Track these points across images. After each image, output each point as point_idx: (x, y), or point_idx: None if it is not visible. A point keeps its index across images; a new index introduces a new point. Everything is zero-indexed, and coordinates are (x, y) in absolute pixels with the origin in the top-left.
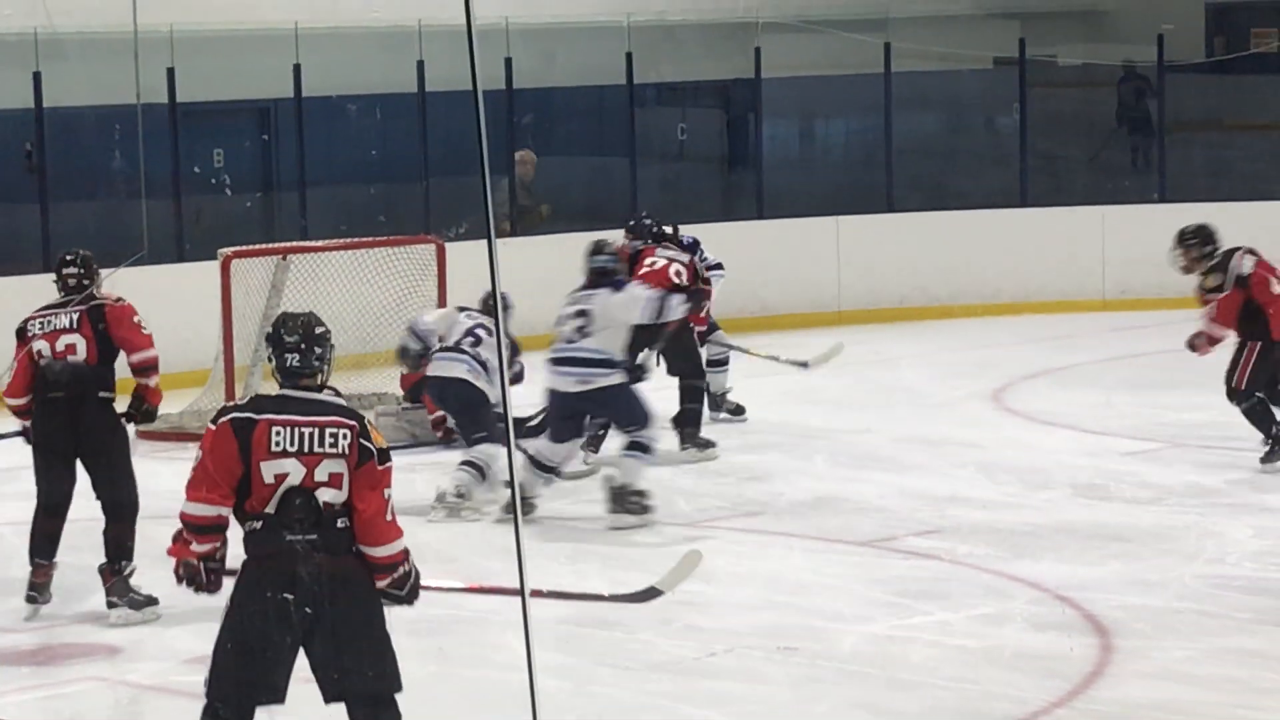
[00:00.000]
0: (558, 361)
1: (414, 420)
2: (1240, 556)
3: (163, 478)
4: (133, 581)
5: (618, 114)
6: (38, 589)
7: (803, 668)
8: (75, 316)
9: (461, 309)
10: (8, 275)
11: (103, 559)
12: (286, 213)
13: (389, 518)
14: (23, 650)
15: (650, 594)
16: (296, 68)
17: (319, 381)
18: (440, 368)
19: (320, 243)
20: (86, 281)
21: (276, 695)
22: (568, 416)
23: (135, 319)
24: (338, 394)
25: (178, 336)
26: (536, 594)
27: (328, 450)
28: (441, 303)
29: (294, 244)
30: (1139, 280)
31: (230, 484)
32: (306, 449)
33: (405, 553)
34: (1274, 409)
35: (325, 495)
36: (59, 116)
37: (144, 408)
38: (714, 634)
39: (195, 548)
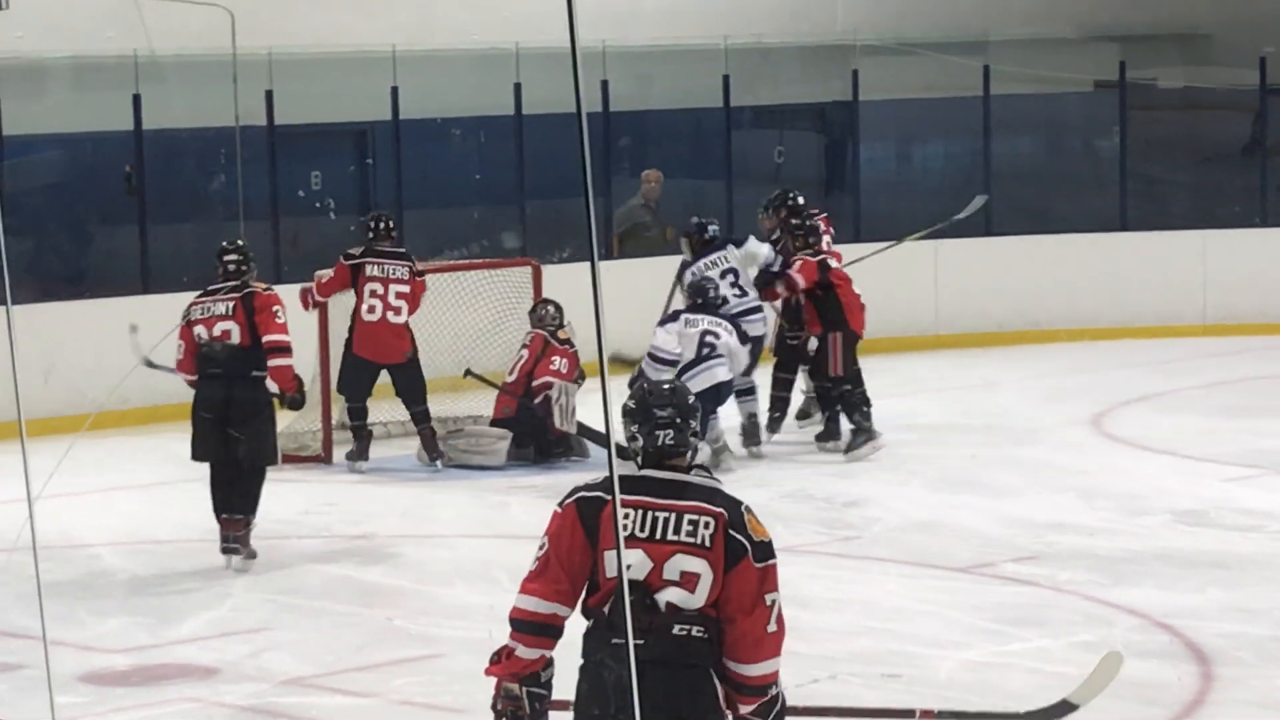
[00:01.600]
0: None
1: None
2: None
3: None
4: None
5: (714, 137)
6: (238, 540)
7: (901, 694)
8: (231, 304)
9: (671, 320)
10: (108, 296)
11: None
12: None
13: (771, 628)
14: (119, 671)
15: (1061, 709)
16: (394, 90)
17: (688, 460)
18: (707, 378)
19: (419, 265)
20: (245, 268)
21: None
22: None
23: (274, 308)
24: (709, 474)
25: None
26: (927, 715)
27: (683, 540)
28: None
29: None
30: (1240, 304)
31: (571, 577)
32: (659, 536)
33: (777, 678)
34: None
35: (671, 596)
36: (158, 139)
37: (282, 394)
38: (813, 660)
39: (520, 652)
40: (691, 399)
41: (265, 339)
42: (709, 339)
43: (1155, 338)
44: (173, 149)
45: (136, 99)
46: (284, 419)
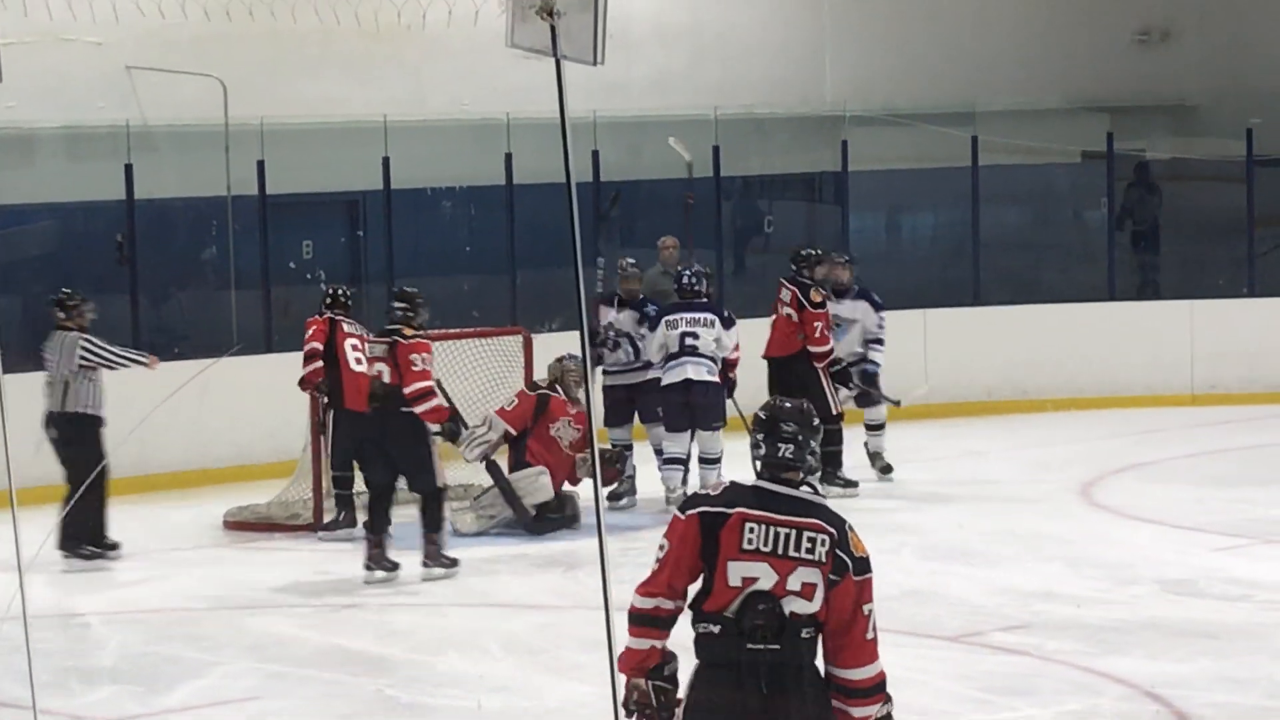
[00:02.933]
0: None
1: (488, 504)
2: None
3: (251, 568)
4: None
5: (704, 206)
6: (375, 560)
7: None
8: (387, 347)
9: (657, 324)
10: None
11: None
12: (375, 305)
13: (869, 636)
14: None
15: None
16: (385, 160)
17: (801, 476)
18: (676, 374)
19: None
20: (411, 314)
21: None
22: None
23: (412, 356)
24: (817, 491)
25: (265, 427)
26: None
27: (803, 556)
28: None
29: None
30: (1228, 375)
31: (686, 580)
32: (781, 552)
33: (883, 681)
34: None
35: (794, 605)
36: (150, 208)
37: (441, 428)
38: None
39: (631, 644)
40: (815, 420)
41: (405, 390)
42: (689, 340)
43: (1143, 407)
44: (164, 219)
45: (128, 169)
46: (274, 488)
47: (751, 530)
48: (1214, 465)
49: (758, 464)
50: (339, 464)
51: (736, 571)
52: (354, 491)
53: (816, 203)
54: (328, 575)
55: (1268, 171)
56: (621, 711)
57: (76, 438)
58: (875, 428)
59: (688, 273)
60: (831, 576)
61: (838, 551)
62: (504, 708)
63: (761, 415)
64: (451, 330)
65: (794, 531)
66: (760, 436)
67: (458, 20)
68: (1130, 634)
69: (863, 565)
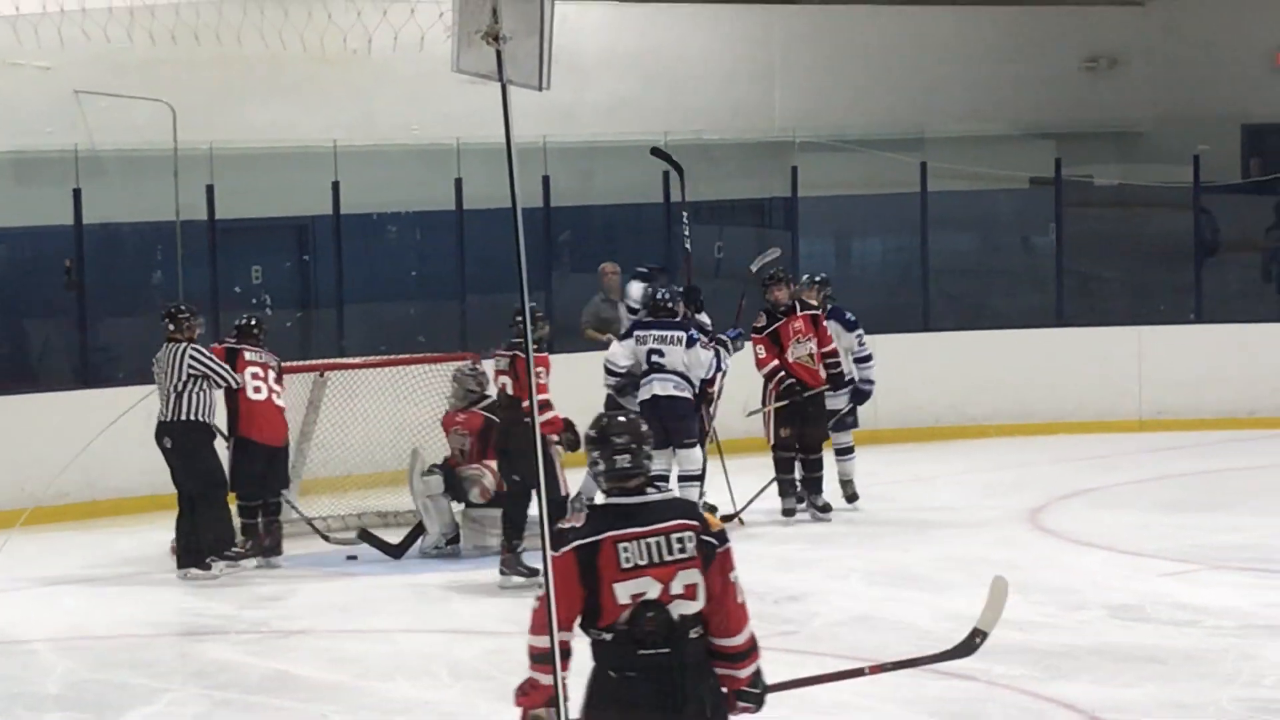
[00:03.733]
0: None
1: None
2: (1277, 679)
3: (199, 594)
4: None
5: (655, 232)
6: (508, 564)
7: None
8: (509, 360)
9: (627, 336)
10: (48, 391)
11: None
12: (324, 330)
13: (739, 599)
14: None
15: (974, 640)
16: (335, 185)
17: (645, 478)
18: (645, 391)
19: (358, 359)
20: (533, 328)
21: None
22: None
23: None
24: (657, 488)
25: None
26: (874, 670)
27: (678, 558)
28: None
29: (331, 361)
30: (1176, 400)
31: (575, 611)
32: (658, 560)
33: (755, 641)
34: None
35: (681, 608)
36: (99, 233)
37: (559, 438)
38: None
39: (542, 682)
40: (644, 427)
41: (523, 403)
42: (655, 357)
43: (1091, 433)
44: (113, 243)
45: (77, 193)
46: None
47: (626, 549)
48: (1161, 491)
49: (601, 480)
50: (244, 494)
51: (624, 591)
52: (258, 520)
53: (766, 228)
54: (277, 601)
55: (1214, 198)
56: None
57: (191, 447)
58: (844, 452)
59: (664, 291)
60: (704, 564)
61: (702, 539)
62: None
63: (592, 433)
64: (400, 356)
65: (663, 538)
66: (595, 454)
67: (404, 45)
68: (1078, 659)
69: (723, 536)
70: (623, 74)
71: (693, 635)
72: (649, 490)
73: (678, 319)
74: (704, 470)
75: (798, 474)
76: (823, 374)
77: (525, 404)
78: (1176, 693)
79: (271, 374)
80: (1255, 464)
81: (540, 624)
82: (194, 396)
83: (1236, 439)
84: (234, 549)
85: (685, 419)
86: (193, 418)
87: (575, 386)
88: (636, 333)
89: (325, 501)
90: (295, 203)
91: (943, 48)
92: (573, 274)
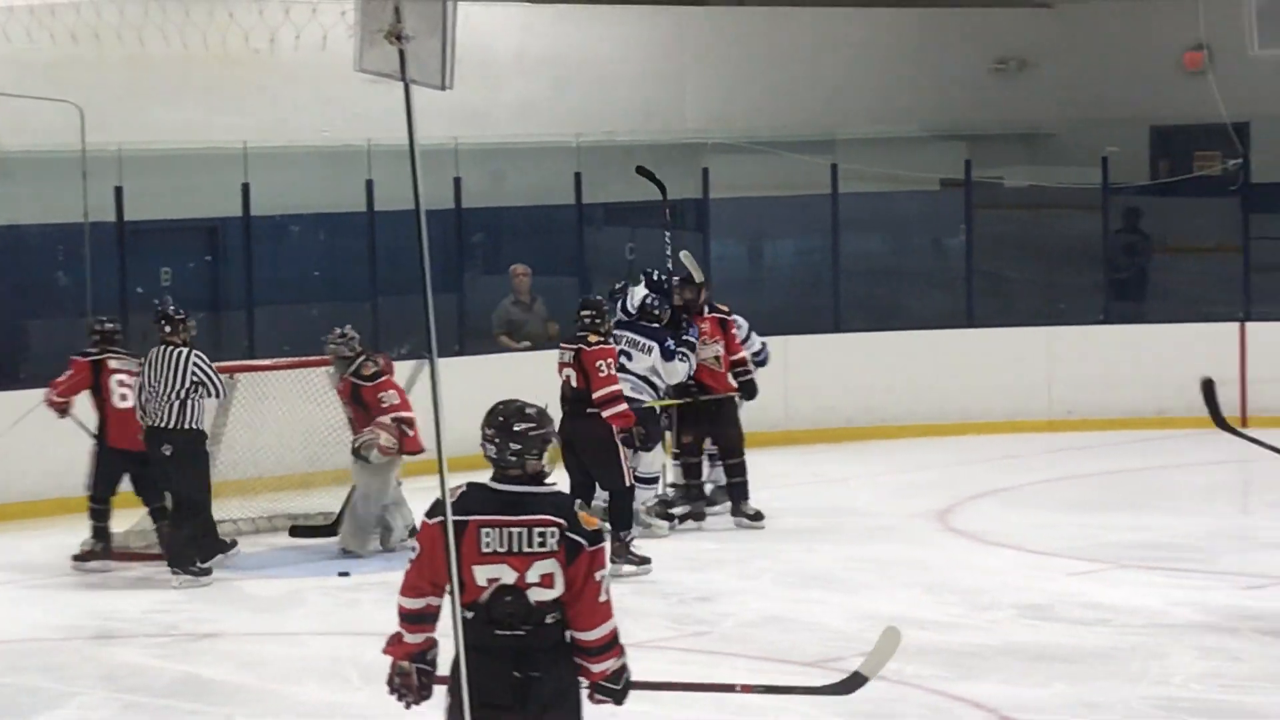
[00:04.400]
0: None
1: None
2: (1186, 678)
3: (107, 597)
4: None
5: (566, 233)
6: (617, 553)
7: None
8: (574, 353)
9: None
10: None
11: None
12: (234, 332)
13: (601, 599)
14: None
15: (855, 682)
16: (245, 187)
17: (525, 473)
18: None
19: (268, 361)
20: (597, 321)
21: None
22: None
23: (597, 362)
24: (543, 481)
25: None
26: (746, 689)
27: (537, 550)
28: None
29: (241, 363)
30: (1085, 400)
31: (439, 580)
32: (517, 550)
33: (616, 637)
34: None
35: (537, 595)
36: (6, 235)
37: (633, 431)
38: None
39: (407, 638)
40: (519, 426)
41: (593, 394)
42: (621, 359)
43: (1001, 433)
44: (21, 245)
45: None
46: (132, 517)
47: (487, 535)
48: (1070, 490)
49: (491, 462)
50: (99, 495)
51: (481, 573)
52: (109, 524)
53: (678, 230)
54: (185, 605)
55: (1122, 200)
56: (384, 689)
57: (192, 454)
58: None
59: (650, 296)
60: (567, 559)
61: (569, 536)
62: None
63: (493, 418)
64: (311, 358)
65: (525, 530)
66: (490, 433)
67: (307, 45)
68: (988, 659)
69: (595, 537)
70: (534, 75)
71: (549, 620)
72: (530, 484)
73: (655, 326)
74: (661, 474)
75: (705, 477)
76: (731, 381)
77: (595, 396)
78: (1086, 692)
79: (137, 380)
80: (1163, 463)
81: (408, 586)
82: (196, 404)
83: (1145, 439)
84: (196, 565)
85: (641, 422)
86: (195, 426)
87: (482, 388)
88: (615, 333)
89: (235, 504)
90: (205, 204)
91: (853, 50)
92: (484, 276)
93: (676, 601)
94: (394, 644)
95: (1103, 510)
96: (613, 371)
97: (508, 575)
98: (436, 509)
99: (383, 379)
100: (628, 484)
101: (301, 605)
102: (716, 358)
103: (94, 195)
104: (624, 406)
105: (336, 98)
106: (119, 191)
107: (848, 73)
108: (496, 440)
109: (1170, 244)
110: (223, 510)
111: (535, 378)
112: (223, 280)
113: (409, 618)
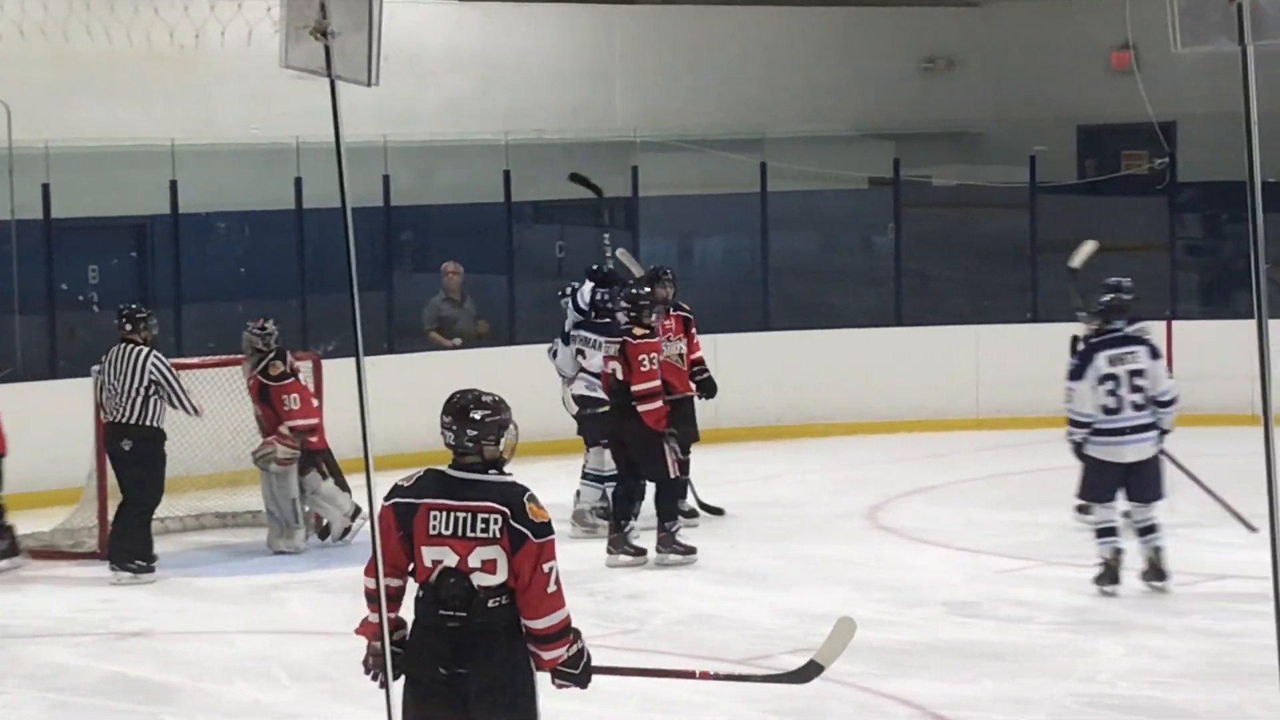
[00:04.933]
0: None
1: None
2: (1113, 675)
3: (34, 596)
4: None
5: (495, 231)
6: (615, 545)
7: None
8: (618, 346)
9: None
10: None
11: None
12: (162, 330)
13: (550, 589)
14: None
15: (811, 670)
16: (173, 184)
17: (483, 460)
18: (577, 388)
19: (195, 360)
20: (633, 314)
21: None
22: None
23: (640, 356)
24: (501, 471)
25: (49, 454)
26: (705, 675)
27: (479, 536)
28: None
29: (170, 361)
30: (1012, 399)
31: (396, 561)
32: (460, 533)
33: (567, 626)
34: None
35: (480, 579)
36: None
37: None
38: None
39: (371, 619)
40: (477, 414)
41: (632, 388)
42: (579, 359)
43: (930, 431)
44: None
45: None
46: (58, 515)
47: (435, 517)
48: (998, 489)
49: (449, 448)
50: None
51: (427, 554)
52: (6, 522)
53: (607, 228)
54: (113, 603)
55: (1050, 199)
56: (360, 669)
57: (150, 451)
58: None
59: (600, 292)
60: (511, 548)
61: (513, 524)
62: None
63: (451, 403)
64: (239, 355)
65: (470, 515)
66: (448, 420)
67: (232, 42)
68: (917, 656)
69: (543, 529)
70: (463, 73)
71: (491, 605)
72: (487, 471)
73: (609, 322)
74: (611, 474)
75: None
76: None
77: (634, 390)
78: (1014, 688)
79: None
80: None
81: (369, 568)
82: (155, 403)
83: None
84: (136, 563)
85: (598, 419)
86: (155, 424)
87: (409, 386)
88: (572, 333)
89: (163, 502)
90: (133, 202)
91: (782, 48)
92: (414, 274)
93: (604, 599)
94: (363, 625)
95: (1030, 508)
96: (654, 366)
97: (449, 558)
98: (392, 492)
99: (289, 380)
100: (672, 476)
101: (229, 604)
102: (680, 355)
103: (20, 193)
104: (659, 404)
105: (264, 95)
106: (46, 189)
107: (777, 71)
108: (454, 427)
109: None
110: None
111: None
112: (150, 278)
113: (370, 597)
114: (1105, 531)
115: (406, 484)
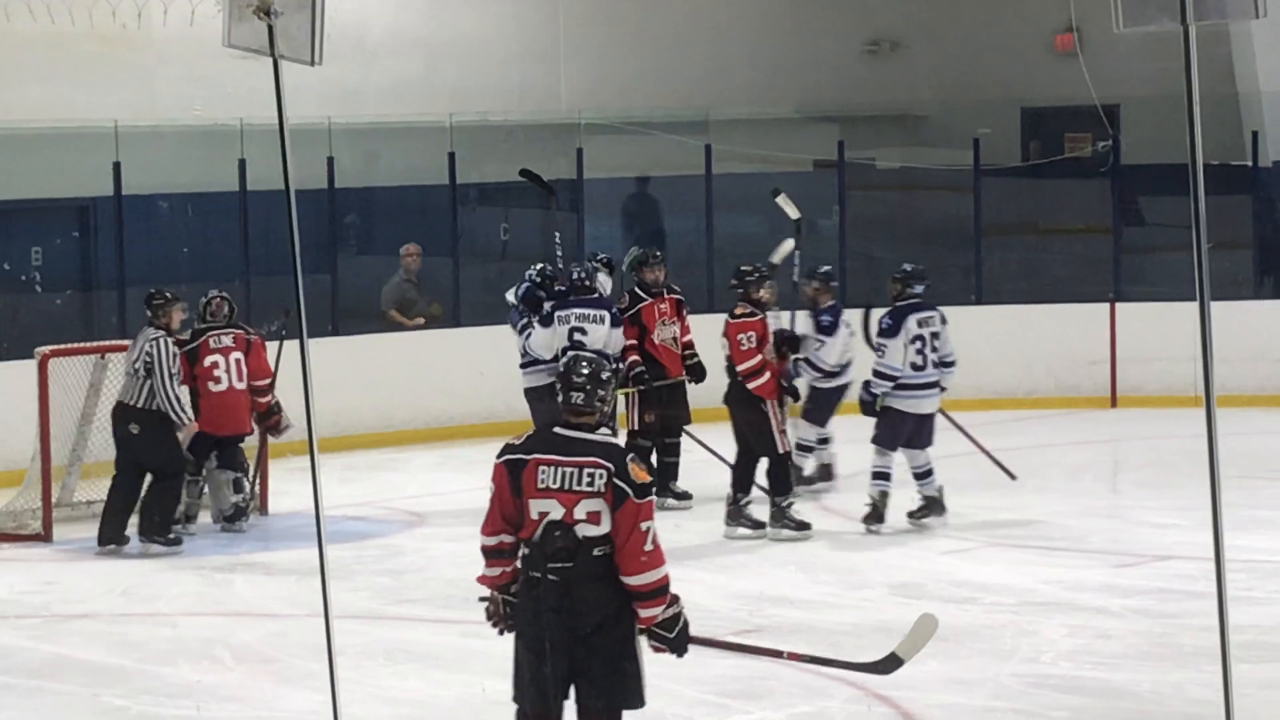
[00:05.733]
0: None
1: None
2: (1055, 655)
3: None
4: None
5: (440, 214)
6: (732, 517)
7: None
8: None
9: (547, 319)
10: None
11: None
12: (105, 312)
13: (648, 547)
14: None
15: (891, 663)
16: (116, 166)
17: (594, 420)
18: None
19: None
20: (750, 287)
21: (558, 700)
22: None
23: (739, 335)
24: (613, 432)
25: None
26: (793, 656)
27: (585, 489)
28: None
29: (112, 343)
30: (955, 381)
31: (507, 515)
32: (566, 487)
33: (665, 585)
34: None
35: (585, 530)
36: None
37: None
38: None
39: (486, 571)
40: (605, 374)
41: (736, 366)
42: (577, 336)
43: None
44: None
45: None
46: (4, 497)
47: (544, 472)
48: (942, 470)
49: (565, 412)
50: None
51: (535, 507)
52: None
53: (552, 210)
54: (56, 585)
55: (994, 181)
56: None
57: (159, 435)
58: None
59: (578, 268)
60: (614, 502)
61: (616, 481)
62: (233, 718)
63: (579, 370)
64: (184, 337)
65: (576, 470)
66: (559, 385)
67: (175, 21)
68: (860, 637)
69: (643, 490)
70: (408, 54)
71: (596, 553)
72: (596, 431)
73: (596, 295)
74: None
75: (653, 459)
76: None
77: (738, 369)
78: (957, 669)
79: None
80: (1033, 443)
81: (485, 524)
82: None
83: (1016, 419)
84: (173, 533)
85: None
86: (156, 406)
87: (360, 367)
88: (557, 314)
89: (106, 484)
90: (75, 183)
91: (727, 30)
92: (358, 256)
93: None
94: (482, 576)
95: (973, 490)
96: (753, 345)
97: (556, 510)
98: (504, 450)
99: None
100: (781, 450)
101: (174, 586)
102: (674, 338)
103: None
104: (765, 378)
105: (208, 76)
106: None
107: (721, 53)
108: (588, 388)
109: (1041, 225)
110: (94, 490)
111: (407, 358)
112: (93, 260)
113: (487, 553)
114: (881, 475)
115: (517, 442)
